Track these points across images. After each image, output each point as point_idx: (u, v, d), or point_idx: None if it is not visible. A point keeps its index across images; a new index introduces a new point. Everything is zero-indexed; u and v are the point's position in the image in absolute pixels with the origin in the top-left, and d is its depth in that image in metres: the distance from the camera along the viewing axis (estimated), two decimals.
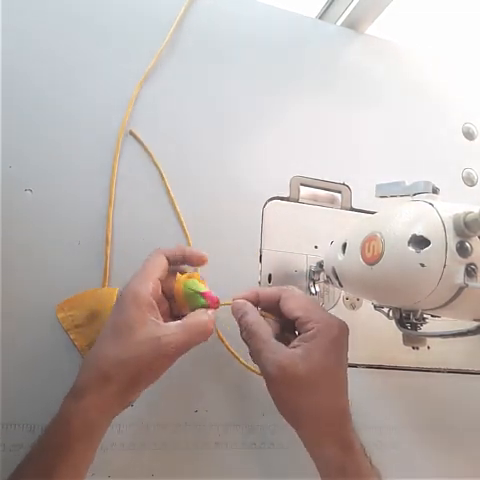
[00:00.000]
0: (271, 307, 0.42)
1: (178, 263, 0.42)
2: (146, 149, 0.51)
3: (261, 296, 0.43)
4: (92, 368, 0.36)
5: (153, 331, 0.36)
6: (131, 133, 0.51)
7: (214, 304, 0.41)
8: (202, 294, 0.41)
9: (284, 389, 0.38)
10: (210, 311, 0.40)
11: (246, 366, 0.46)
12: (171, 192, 0.51)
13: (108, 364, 0.35)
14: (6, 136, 0.47)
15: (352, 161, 0.60)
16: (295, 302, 0.41)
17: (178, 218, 0.51)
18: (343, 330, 0.40)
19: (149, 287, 0.38)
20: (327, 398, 0.38)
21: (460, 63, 0.71)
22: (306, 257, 0.55)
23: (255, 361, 0.40)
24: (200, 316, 0.39)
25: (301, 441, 0.40)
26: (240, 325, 0.41)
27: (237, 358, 0.46)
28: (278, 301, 0.42)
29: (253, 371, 0.46)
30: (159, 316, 0.38)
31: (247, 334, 0.40)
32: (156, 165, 0.51)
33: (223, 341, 0.47)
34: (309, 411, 0.38)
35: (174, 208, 0.51)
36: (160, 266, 0.40)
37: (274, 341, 0.39)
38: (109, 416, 0.37)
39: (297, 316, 0.40)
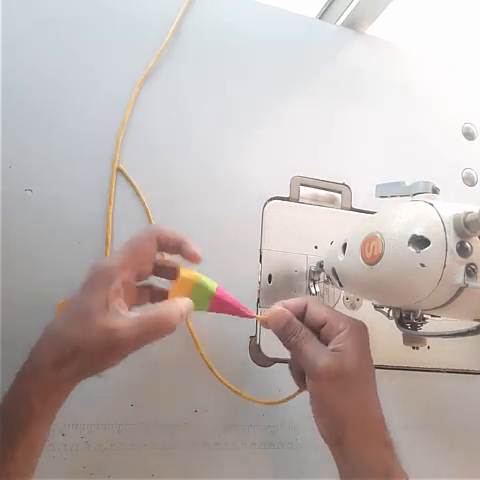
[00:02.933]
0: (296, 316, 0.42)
1: (168, 250, 0.40)
2: (131, 183, 0.51)
3: (290, 308, 0.42)
4: (49, 347, 0.35)
5: (109, 322, 0.34)
6: (119, 169, 0.50)
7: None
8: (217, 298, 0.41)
9: (335, 386, 0.38)
10: (186, 303, 0.38)
11: (221, 380, 0.47)
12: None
13: (63, 348, 0.34)
14: (6, 136, 0.47)
15: (352, 161, 0.60)
16: (321, 307, 0.42)
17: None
18: (367, 330, 0.41)
19: (126, 272, 0.36)
20: (372, 398, 0.39)
21: (460, 63, 0.71)
22: (306, 257, 0.55)
23: (303, 363, 0.40)
24: (168, 308, 0.37)
25: (338, 447, 0.38)
26: (286, 332, 0.41)
27: (211, 369, 0.46)
28: (304, 309, 0.42)
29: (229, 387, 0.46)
30: (123, 303, 0.36)
31: (297, 337, 0.40)
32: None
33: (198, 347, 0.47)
34: (358, 411, 0.38)
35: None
36: (148, 249, 0.38)
37: (321, 344, 0.40)
38: (64, 394, 0.36)
39: (326, 319, 0.41)
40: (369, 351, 0.40)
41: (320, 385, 0.39)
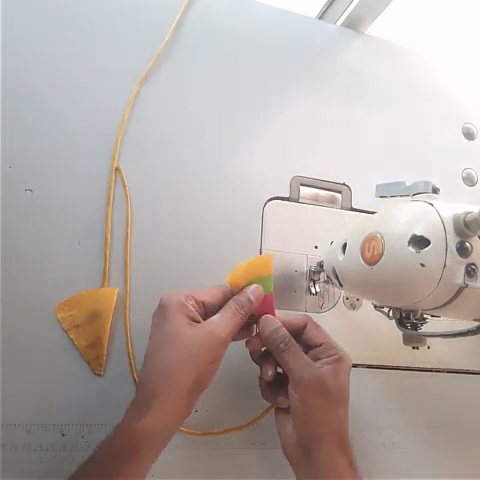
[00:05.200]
0: (292, 333, 0.44)
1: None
2: (124, 186, 0.51)
3: (286, 323, 0.43)
4: (153, 379, 0.37)
5: (200, 328, 0.38)
6: (118, 169, 0.50)
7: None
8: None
9: (317, 396, 0.40)
10: (253, 288, 0.41)
11: None
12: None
13: (170, 372, 0.37)
14: (6, 136, 0.47)
15: (352, 161, 0.60)
16: (321, 331, 0.44)
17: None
18: (351, 364, 0.44)
19: (190, 299, 0.39)
20: (345, 416, 0.42)
21: (460, 63, 0.71)
22: (306, 257, 0.55)
23: (290, 371, 0.41)
24: (238, 297, 0.41)
25: (304, 456, 0.40)
26: (274, 336, 0.42)
27: None
28: (301, 328, 0.44)
29: None
30: (199, 317, 0.39)
31: (285, 345, 0.41)
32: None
33: None
34: (335, 425, 0.41)
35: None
36: (211, 294, 0.41)
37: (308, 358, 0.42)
38: (176, 425, 0.38)
39: (322, 342, 0.43)
40: (348, 379, 0.43)
41: (304, 394, 0.40)
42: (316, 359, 0.42)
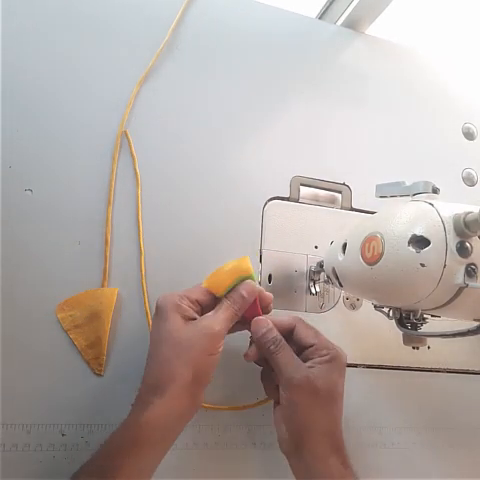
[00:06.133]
0: (283, 334, 0.44)
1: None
2: (132, 153, 0.51)
3: (277, 325, 0.44)
4: (154, 376, 0.39)
5: (195, 324, 0.40)
6: (125, 133, 0.51)
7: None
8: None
9: (306, 397, 0.41)
10: (245, 284, 0.42)
11: None
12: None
13: (169, 367, 0.38)
14: (6, 136, 0.47)
15: (352, 161, 0.60)
16: (310, 331, 0.44)
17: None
18: (345, 359, 0.44)
19: (184, 299, 0.41)
20: (338, 416, 0.43)
21: (460, 63, 0.71)
22: (306, 257, 0.55)
23: (280, 372, 0.42)
24: (230, 294, 0.42)
25: (295, 453, 0.41)
26: (265, 338, 0.43)
27: None
28: (292, 329, 0.45)
29: None
30: (195, 315, 0.41)
31: (276, 347, 0.42)
32: (138, 170, 0.51)
33: None
34: (325, 425, 0.41)
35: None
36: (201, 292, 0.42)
37: (298, 358, 0.43)
38: (180, 420, 0.39)
39: (313, 343, 0.43)
40: (343, 378, 0.43)
41: (293, 395, 0.41)
42: (308, 359, 0.42)
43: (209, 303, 0.42)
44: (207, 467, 0.46)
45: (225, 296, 0.42)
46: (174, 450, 0.44)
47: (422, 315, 0.42)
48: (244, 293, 0.41)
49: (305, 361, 0.42)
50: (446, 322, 0.43)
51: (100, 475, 0.35)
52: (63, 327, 0.45)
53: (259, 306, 0.43)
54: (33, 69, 0.50)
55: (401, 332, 0.44)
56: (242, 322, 0.43)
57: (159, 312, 0.40)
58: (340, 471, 0.40)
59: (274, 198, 0.55)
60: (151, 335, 0.41)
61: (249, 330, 0.44)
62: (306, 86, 0.61)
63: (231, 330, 0.42)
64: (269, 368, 0.44)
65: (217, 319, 0.40)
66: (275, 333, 0.43)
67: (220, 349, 0.40)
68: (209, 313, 0.41)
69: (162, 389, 0.37)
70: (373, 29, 0.66)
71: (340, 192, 0.59)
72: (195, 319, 0.40)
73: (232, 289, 0.42)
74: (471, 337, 0.39)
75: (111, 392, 0.45)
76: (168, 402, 0.37)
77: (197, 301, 0.41)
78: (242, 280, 0.42)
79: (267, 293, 0.44)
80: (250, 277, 0.42)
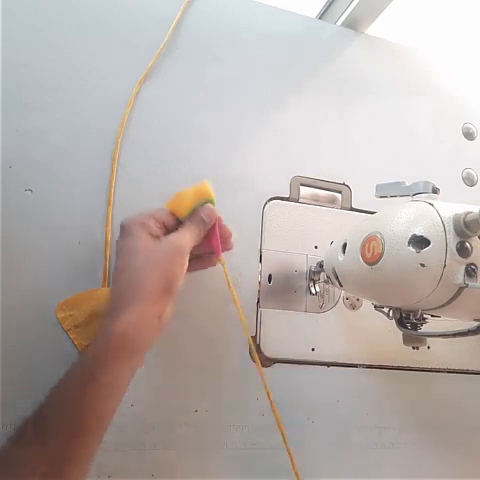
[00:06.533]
0: None
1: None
2: None
3: None
4: (125, 285, 0.40)
5: (162, 240, 0.41)
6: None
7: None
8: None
9: None
10: (204, 207, 0.44)
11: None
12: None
13: (140, 275, 0.39)
14: (6, 136, 0.47)
15: (352, 161, 0.60)
16: None
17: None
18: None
19: (150, 219, 0.42)
20: None
21: (460, 63, 0.71)
22: (306, 257, 0.55)
23: None
24: (192, 217, 0.43)
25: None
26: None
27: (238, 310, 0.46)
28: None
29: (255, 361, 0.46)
30: (161, 234, 0.42)
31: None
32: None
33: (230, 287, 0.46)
34: None
35: None
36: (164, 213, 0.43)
37: None
38: (150, 329, 0.39)
39: None
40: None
41: None
42: None
43: (172, 224, 0.43)
44: (207, 467, 0.46)
45: (188, 218, 0.43)
46: (175, 450, 0.44)
47: (422, 315, 0.42)
48: (204, 215, 0.43)
49: None
50: (446, 322, 0.43)
51: (78, 388, 0.35)
52: (63, 327, 0.45)
53: (218, 235, 0.45)
54: (33, 69, 0.50)
55: (401, 332, 0.44)
56: (203, 252, 0.45)
57: (127, 230, 0.41)
58: None
59: (274, 198, 0.55)
60: (118, 252, 0.42)
61: (209, 265, 0.46)
62: (306, 86, 0.61)
63: (192, 267, 0.43)
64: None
65: (183, 236, 0.42)
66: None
67: (186, 265, 0.41)
68: (174, 232, 0.42)
69: (133, 297, 0.38)
70: (373, 29, 0.66)
71: (340, 192, 0.59)
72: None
73: (193, 212, 0.43)
74: (471, 337, 0.39)
75: None
76: (140, 308, 0.38)
77: (162, 222, 0.43)
78: (203, 203, 0.44)
79: (226, 226, 0.46)
80: (211, 201, 0.44)
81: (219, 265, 0.45)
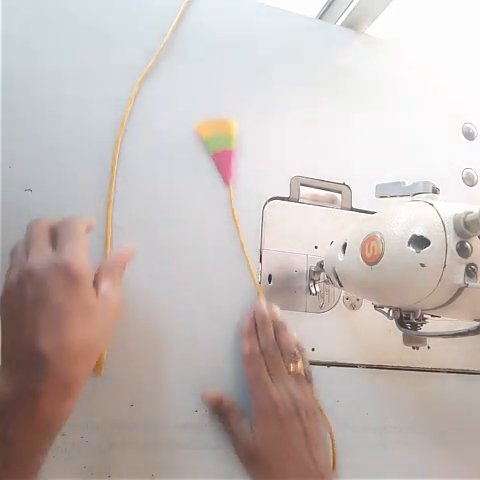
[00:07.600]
0: None
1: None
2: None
3: None
4: (70, 361, 0.35)
5: (101, 299, 0.37)
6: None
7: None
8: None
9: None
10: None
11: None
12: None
13: (89, 351, 0.36)
14: (6, 136, 0.47)
15: (352, 161, 0.60)
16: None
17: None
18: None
19: (86, 259, 0.37)
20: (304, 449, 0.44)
21: (460, 63, 0.71)
22: (306, 257, 0.55)
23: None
24: (106, 263, 0.40)
25: None
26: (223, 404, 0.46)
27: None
28: None
29: None
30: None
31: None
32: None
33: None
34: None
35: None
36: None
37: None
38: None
39: None
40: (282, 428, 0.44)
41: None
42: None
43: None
44: (207, 467, 0.46)
45: (102, 269, 0.39)
46: (174, 450, 0.44)
47: (422, 315, 0.42)
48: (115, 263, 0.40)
49: None
50: (446, 322, 0.43)
51: None
52: None
53: (231, 160, 0.50)
54: (33, 69, 0.50)
55: (401, 332, 0.44)
56: None
57: (76, 280, 0.35)
58: None
59: (274, 198, 0.55)
60: (59, 300, 0.35)
61: None
62: (306, 86, 0.61)
63: None
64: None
65: (114, 293, 0.38)
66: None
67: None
68: (103, 287, 0.38)
69: (81, 379, 0.37)
70: (373, 29, 0.66)
71: (340, 192, 0.59)
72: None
73: None
74: (471, 337, 0.39)
75: (111, 392, 0.45)
76: (80, 390, 0.37)
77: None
78: (219, 139, 0.51)
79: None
80: (227, 139, 0.51)
81: None
